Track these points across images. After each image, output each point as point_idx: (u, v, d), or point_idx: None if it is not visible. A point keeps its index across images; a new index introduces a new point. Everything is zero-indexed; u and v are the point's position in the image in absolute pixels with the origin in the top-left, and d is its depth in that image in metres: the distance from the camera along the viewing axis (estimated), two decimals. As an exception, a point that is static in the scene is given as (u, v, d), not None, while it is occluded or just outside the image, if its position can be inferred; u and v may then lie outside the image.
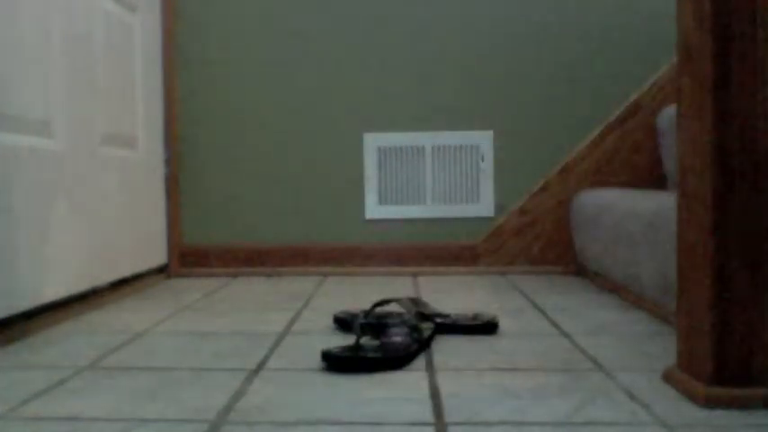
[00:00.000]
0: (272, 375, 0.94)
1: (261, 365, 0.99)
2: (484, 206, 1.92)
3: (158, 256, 1.83)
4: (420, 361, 1.01)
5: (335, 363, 0.96)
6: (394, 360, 0.97)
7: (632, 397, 0.84)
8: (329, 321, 1.29)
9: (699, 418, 0.76)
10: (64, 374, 0.96)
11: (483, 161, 1.92)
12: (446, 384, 0.89)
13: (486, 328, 1.18)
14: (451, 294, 1.58)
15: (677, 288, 0.88)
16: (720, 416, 0.77)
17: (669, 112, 1.77)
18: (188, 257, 1.96)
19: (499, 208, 1.93)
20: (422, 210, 1.93)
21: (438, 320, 1.18)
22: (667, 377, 0.89)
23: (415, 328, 1.08)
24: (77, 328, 1.26)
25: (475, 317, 1.22)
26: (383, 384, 0.90)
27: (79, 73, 1.40)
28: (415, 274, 1.91)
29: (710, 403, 0.79)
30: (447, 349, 1.08)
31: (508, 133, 1.93)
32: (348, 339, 1.14)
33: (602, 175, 1.90)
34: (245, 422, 0.76)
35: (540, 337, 1.14)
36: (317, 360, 1.01)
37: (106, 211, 1.51)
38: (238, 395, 0.86)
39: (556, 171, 1.91)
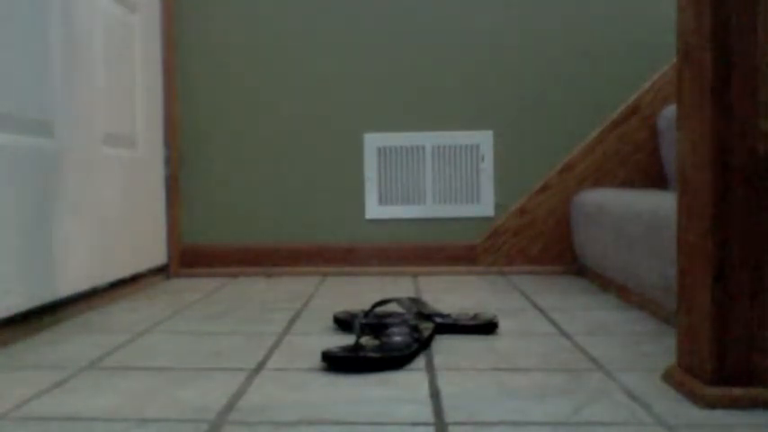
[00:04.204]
0: (272, 375, 0.94)
1: (261, 365, 0.99)
2: (484, 206, 1.92)
3: (158, 256, 1.83)
4: (420, 361, 1.01)
5: (335, 363, 0.96)
6: (394, 360, 0.97)
7: (632, 397, 0.84)
8: (329, 321, 1.29)
9: (699, 418, 0.76)
10: (64, 374, 0.96)
11: (483, 161, 1.92)
12: (446, 384, 0.89)
13: (486, 327, 1.18)
14: (451, 294, 1.58)
15: (677, 288, 0.88)
16: (720, 416, 0.77)
17: (669, 112, 1.77)
18: (188, 257, 1.96)
19: (499, 208, 1.93)
20: (422, 210, 1.93)
21: (438, 320, 1.18)
22: (667, 377, 0.89)
23: (415, 328, 1.08)
24: (77, 328, 1.26)
25: (475, 317, 1.22)
26: (383, 384, 0.90)
27: (79, 73, 1.40)
28: (415, 274, 1.91)
29: (710, 403, 0.79)
30: (447, 349, 1.08)
31: (508, 133, 1.93)
32: (348, 339, 1.14)
33: (602, 175, 1.90)
34: (245, 422, 0.76)
35: (539, 337, 1.14)
36: (316, 360, 1.01)
37: (106, 211, 1.51)
38: (238, 395, 0.86)
39: (556, 171, 1.91)
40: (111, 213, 1.54)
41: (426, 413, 0.79)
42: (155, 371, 0.97)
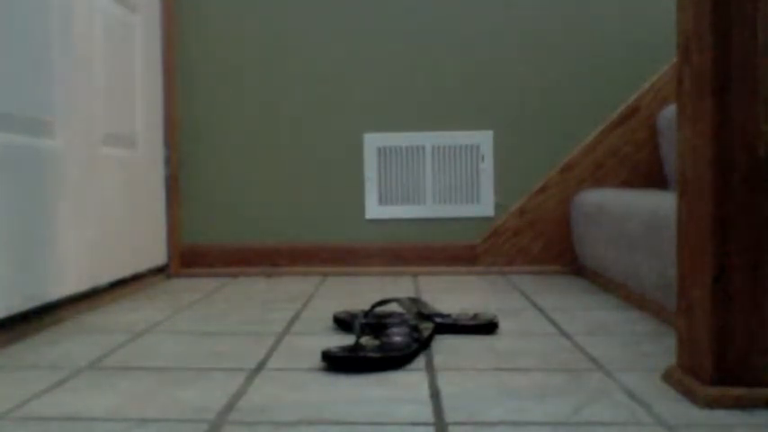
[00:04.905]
0: (272, 375, 0.94)
1: (261, 365, 0.99)
2: (484, 206, 1.92)
3: (158, 256, 1.83)
4: (420, 361, 1.01)
5: (335, 363, 0.96)
6: (394, 360, 0.97)
7: (632, 397, 0.84)
8: (329, 321, 1.29)
9: (699, 418, 0.76)
10: (64, 374, 0.96)
11: (483, 161, 1.92)
12: (446, 384, 0.89)
13: (486, 327, 1.18)
14: (451, 294, 1.58)
15: (677, 288, 0.88)
16: (720, 416, 0.77)
17: (669, 112, 1.77)
18: (188, 257, 1.96)
19: (499, 208, 1.93)
20: (422, 210, 1.93)
21: (438, 320, 1.18)
22: (667, 377, 0.89)
23: (415, 328, 1.08)
24: (77, 328, 1.26)
25: (475, 317, 1.22)
26: (383, 384, 0.90)
27: (79, 73, 1.40)
28: (415, 274, 1.91)
29: (710, 403, 0.79)
30: (447, 349, 1.08)
31: (508, 133, 1.93)
32: (348, 339, 1.14)
33: (602, 175, 1.90)
34: (245, 422, 0.76)
35: (539, 337, 1.14)
36: (316, 360, 1.01)
37: (106, 211, 1.51)
38: (238, 395, 0.86)
39: (556, 171, 1.91)
40: (111, 213, 1.54)
41: (426, 413, 0.79)
42: (155, 371, 0.97)
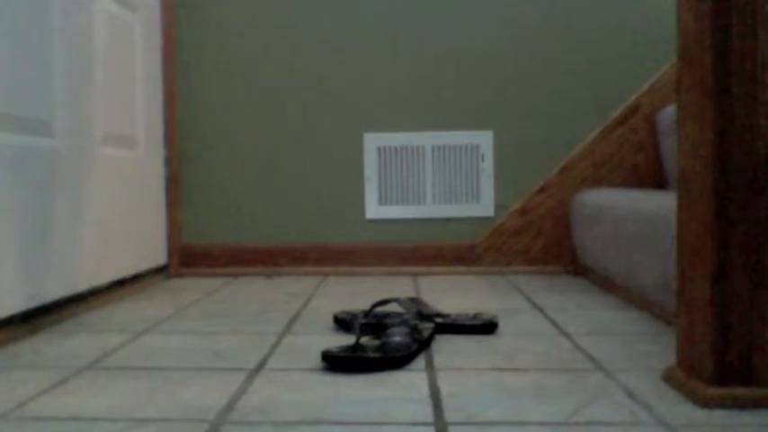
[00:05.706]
0: (272, 375, 0.94)
1: (261, 365, 0.99)
2: (484, 206, 1.92)
3: (158, 256, 1.83)
4: (420, 361, 1.01)
5: (335, 363, 0.96)
6: (394, 360, 0.97)
7: (632, 397, 0.84)
8: (329, 321, 1.29)
9: (699, 418, 0.76)
10: (64, 374, 0.96)
11: (483, 161, 1.92)
12: (446, 384, 0.89)
13: (486, 327, 1.18)
14: (451, 294, 1.58)
15: (677, 288, 0.88)
16: (720, 416, 0.77)
17: (669, 112, 1.77)
18: (188, 257, 1.96)
19: (499, 208, 1.93)
20: (422, 210, 1.93)
21: (438, 320, 1.18)
22: (667, 377, 0.89)
23: (415, 328, 1.08)
24: (77, 328, 1.26)
25: (475, 317, 1.22)
26: (383, 384, 0.90)
27: (79, 73, 1.40)
28: (415, 274, 1.91)
29: (710, 403, 0.79)
30: (447, 349, 1.08)
31: (508, 133, 1.93)
32: (348, 339, 1.14)
33: (602, 175, 1.90)
34: (245, 422, 0.76)
35: (539, 337, 1.14)
36: (317, 360, 1.01)
37: (106, 211, 1.51)
38: (238, 395, 0.86)
39: (556, 171, 1.91)
40: (111, 213, 1.54)
41: (426, 413, 0.79)
42: (155, 371, 0.97)
